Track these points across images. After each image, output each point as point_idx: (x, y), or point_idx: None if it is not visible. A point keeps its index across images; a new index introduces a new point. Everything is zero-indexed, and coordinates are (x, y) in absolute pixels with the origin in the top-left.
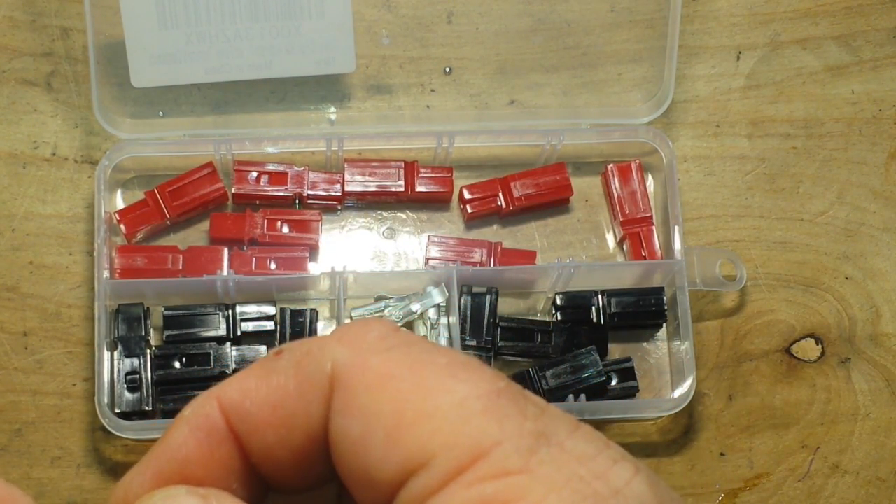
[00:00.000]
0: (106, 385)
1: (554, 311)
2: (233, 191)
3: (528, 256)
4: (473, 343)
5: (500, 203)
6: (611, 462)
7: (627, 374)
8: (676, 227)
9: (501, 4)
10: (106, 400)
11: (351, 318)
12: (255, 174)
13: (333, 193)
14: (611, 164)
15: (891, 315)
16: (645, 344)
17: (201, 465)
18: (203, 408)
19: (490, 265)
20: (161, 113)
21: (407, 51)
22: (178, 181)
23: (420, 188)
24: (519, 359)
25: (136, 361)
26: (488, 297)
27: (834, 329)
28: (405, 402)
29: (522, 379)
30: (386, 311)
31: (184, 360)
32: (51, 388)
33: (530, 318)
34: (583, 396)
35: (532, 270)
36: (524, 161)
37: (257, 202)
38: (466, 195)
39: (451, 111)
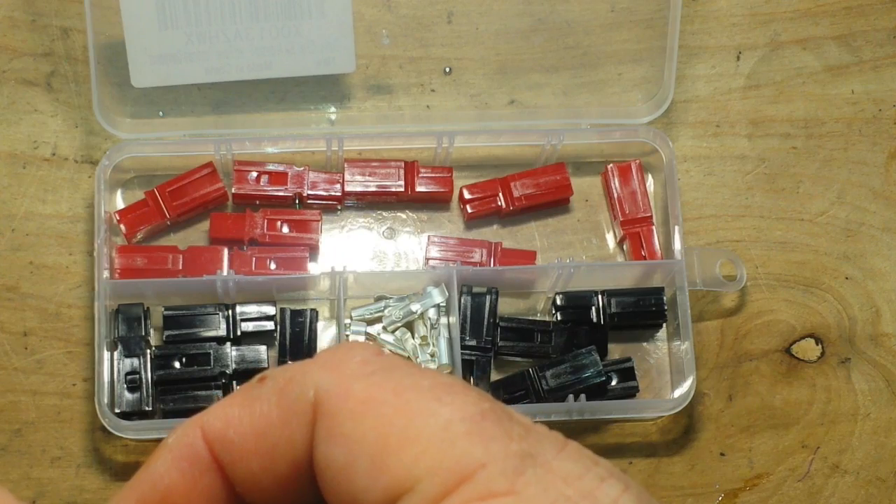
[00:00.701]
0: (106, 385)
1: (554, 311)
2: (233, 191)
3: (528, 256)
4: (473, 343)
5: (500, 203)
6: (598, 480)
7: (627, 374)
8: (676, 227)
9: (501, 4)
10: (106, 400)
11: (351, 318)
12: (255, 174)
13: (333, 193)
14: (611, 164)
15: (891, 315)
16: (645, 344)
17: (184, 494)
18: (186, 437)
19: (490, 265)
20: (161, 113)
21: (407, 51)
22: (178, 181)
23: (420, 188)
24: (519, 359)
25: (136, 361)
26: (488, 297)
27: (834, 329)
28: (389, 427)
29: (522, 379)
30: (386, 311)
31: (184, 360)
32: (51, 388)
33: (530, 318)
34: (583, 396)
35: (532, 270)
36: (524, 161)
37: (257, 202)
38: (466, 195)
39: (451, 111)
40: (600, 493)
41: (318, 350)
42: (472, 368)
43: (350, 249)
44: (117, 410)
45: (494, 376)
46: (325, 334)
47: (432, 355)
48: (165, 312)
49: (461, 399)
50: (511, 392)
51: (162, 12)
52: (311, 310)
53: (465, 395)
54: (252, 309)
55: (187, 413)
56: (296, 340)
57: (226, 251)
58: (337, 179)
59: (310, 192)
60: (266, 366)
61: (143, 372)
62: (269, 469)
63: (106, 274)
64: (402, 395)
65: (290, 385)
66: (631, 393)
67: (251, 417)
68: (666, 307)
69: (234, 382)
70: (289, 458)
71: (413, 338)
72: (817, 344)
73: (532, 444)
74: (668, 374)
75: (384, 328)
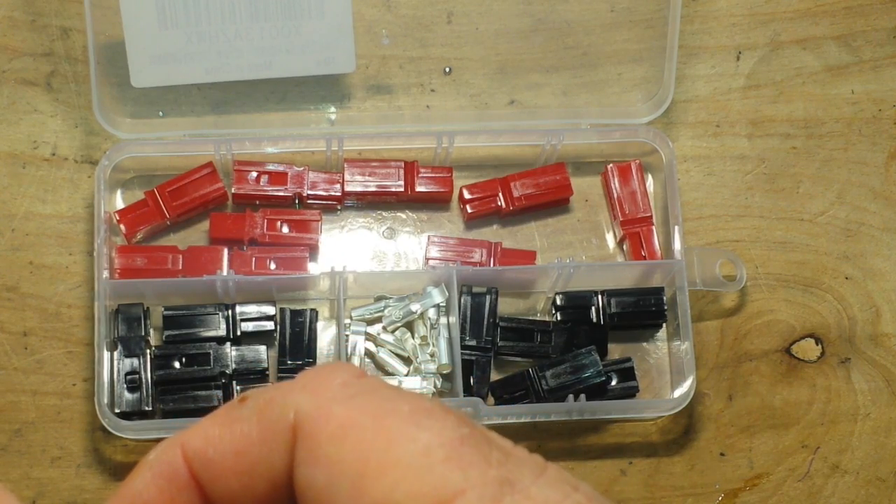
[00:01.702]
0: (106, 385)
1: (554, 311)
2: (233, 191)
3: (528, 256)
4: (473, 343)
5: (500, 203)
6: None
7: (627, 374)
8: (676, 227)
9: (501, 4)
10: (106, 400)
11: (351, 318)
12: (254, 174)
13: (333, 193)
14: (611, 164)
15: (891, 315)
16: (645, 344)
17: None
18: (166, 454)
19: (490, 265)
20: (161, 113)
21: (407, 51)
22: (178, 181)
23: (420, 188)
24: (519, 359)
25: (135, 361)
26: (488, 297)
27: (834, 329)
28: (369, 452)
29: (522, 379)
30: (386, 311)
31: (184, 360)
32: (51, 388)
33: (530, 318)
34: (583, 396)
35: (532, 270)
36: (524, 161)
37: (257, 202)
38: (466, 195)
39: (451, 111)
40: None
41: (318, 350)
42: (472, 368)
43: (350, 249)
44: (117, 410)
45: (494, 376)
46: (325, 334)
47: (432, 355)
48: (165, 312)
49: (440, 424)
50: (511, 392)
51: (162, 12)
52: (311, 310)
53: (445, 420)
54: (252, 309)
55: (187, 413)
56: (296, 340)
57: (226, 251)
58: (337, 179)
59: (310, 192)
60: (266, 366)
61: (142, 372)
62: (248, 488)
63: (106, 274)
64: (381, 420)
65: (271, 406)
66: (631, 393)
67: (231, 437)
68: (666, 307)
69: (234, 382)
70: (268, 478)
71: (413, 338)
72: (817, 344)
73: (511, 470)
74: (668, 374)
75: (384, 328)
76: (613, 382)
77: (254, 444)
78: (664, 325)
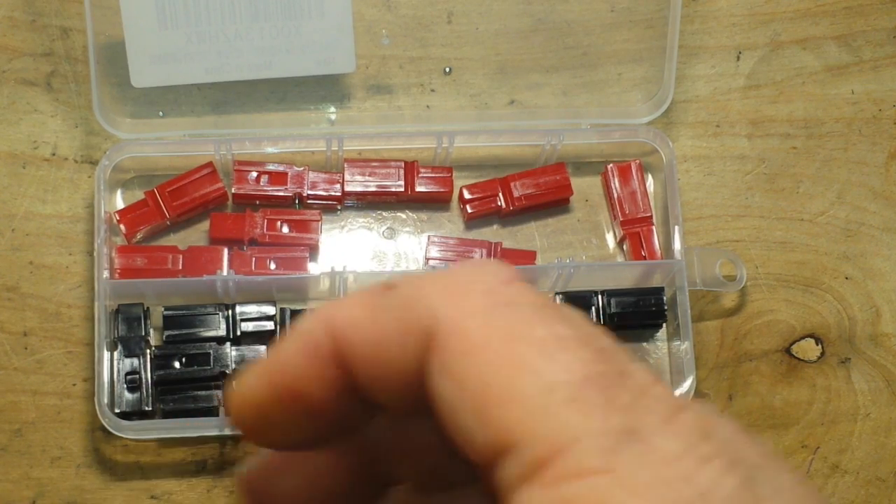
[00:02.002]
0: (106, 385)
1: None
2: (233, 191)
3: (528, 256)
4: None
5: (500, 203)
6: (699, 462)
7: None
8: (676, 227)
9: (501, 4)
10: (106, 400)
11: None
12: (254, 174)
13: (333, 193)
14: (611, 164)
15: (891, 315)
16: (645, 344)
17: (311, 382)
18: (313, 325)
19: None
20: (161, 113)
21: (407, 51)
22: (178, 181)
23: (420, 188)
24: None
25: (136, 361)
26: None
27: (834, 329)
28: (492, 379)
29: None
30: None
31: (184, 360)
32: (51, 388)
33: None
34: None
35: (532, 270)
36: (524, 161)
37: (257, 202)
38: (466, 195)
39: (451, 111)
40: (701, 475)
41: None
42: None
43: (350, 249)
44: (117, 410)
45: None
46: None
47: None
48: (165, 312)
49: (572, 357)
50: None
51: (162, 12)
52: (312, 310)
53: (577, 353)
54: (252, 309)
55: (187, 413)
56: None
57: (226, 251)
58: (337, 179)
59: (310, 192)
60: None
61: (143, 372)
62: (383, 378)
63: (106, 274)
64: (511, 344)
65: (412, 306)
66: None
67: (373, 326)
68: (666, 307)
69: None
70: (403, 373)
71: None
72: (817, 344)
73: (638, 417)
74: (668, 374)
75: None
76: None
77: (392, 341)
78: (664, 325)
